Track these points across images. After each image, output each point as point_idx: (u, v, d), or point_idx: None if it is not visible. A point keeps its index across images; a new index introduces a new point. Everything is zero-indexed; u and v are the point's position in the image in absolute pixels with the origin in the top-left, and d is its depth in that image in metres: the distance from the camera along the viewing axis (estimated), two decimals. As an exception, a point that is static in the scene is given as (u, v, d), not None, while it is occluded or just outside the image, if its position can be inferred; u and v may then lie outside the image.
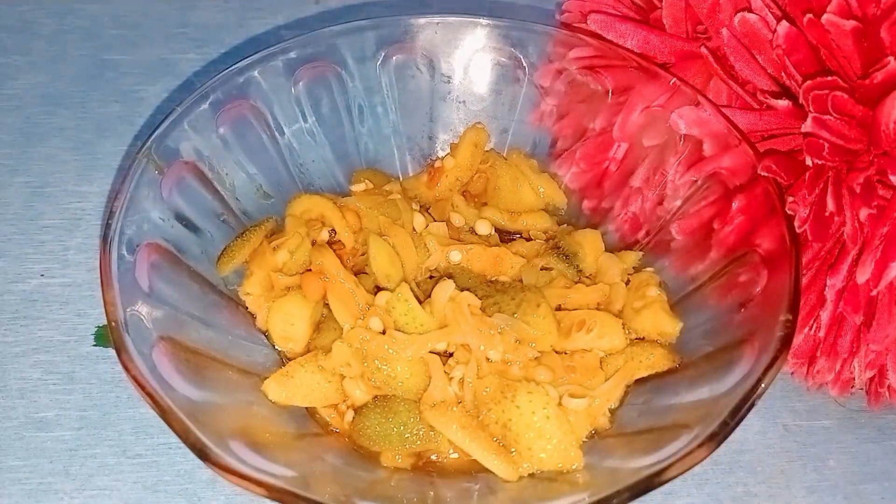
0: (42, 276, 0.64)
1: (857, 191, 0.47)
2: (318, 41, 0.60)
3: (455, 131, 0.65)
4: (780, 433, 0.58)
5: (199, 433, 0.39)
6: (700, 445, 0.39)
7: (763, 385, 0.42)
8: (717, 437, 0.40)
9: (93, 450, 0.55)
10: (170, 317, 0.47)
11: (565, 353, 0.51)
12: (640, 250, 0.59)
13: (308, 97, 0.61)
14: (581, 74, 0.62)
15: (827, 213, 0.48)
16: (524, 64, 0.63)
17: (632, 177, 0.61)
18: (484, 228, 0.59)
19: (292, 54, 0.59)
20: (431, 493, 0.44)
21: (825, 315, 0.51)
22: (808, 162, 0.49)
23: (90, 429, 0.56)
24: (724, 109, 0.56)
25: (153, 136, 0.52)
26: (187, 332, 0.48)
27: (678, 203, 0.58)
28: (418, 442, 0.48)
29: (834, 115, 0.48)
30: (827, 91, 0.48)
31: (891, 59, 0.46)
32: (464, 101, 0.65)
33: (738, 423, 0.41)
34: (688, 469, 0.39)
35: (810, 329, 0.53)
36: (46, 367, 0.59)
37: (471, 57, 0.63)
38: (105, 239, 0.46)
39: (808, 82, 0.49)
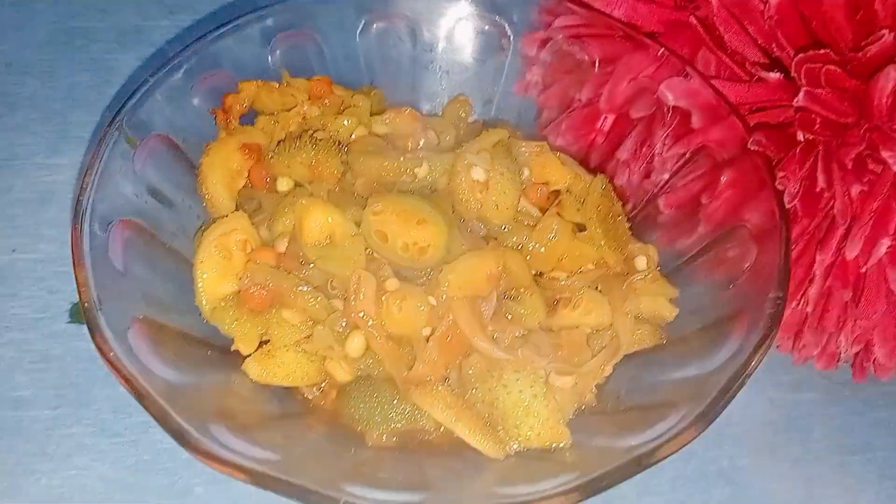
0: (14, 251, 0.62)
1: (849, 167, 0.46)
2: (296, 9, 0.57)
3: (438, 101, 0.64)
4: (765, 406, 0.58)
5: (178, 417, 0.38)
6: (690, 426, 0.39)
7: (753, 363, 0.41)
8: (707, 417, 0.39)
9: (70, 429, 0.54)
10: (145, 296, 0.46)
11: (552, 331, 0.50)
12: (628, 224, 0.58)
13: (284, 67, 0.58)
14: (567, 44, 0.60)
15: (817, 189, 0.47)
16: (508, 33, 0.61)
17: (618, 150, 0.60)
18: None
19: (269, 22, 0.57)
20: (418, 474, 0.43)
21: (813, 291, 0.50)
22: (800, 137, 0.48)
23: (67, 408, 0.55)
24: (713, 81, 0.55)
25: (125, 109, 0.50)
26: (164, 311, 0.46)
27: (665, 176, 0.57)
28: (403, 421, 0.47)
29: (826, 88, 0.47)
30: (820, 64, 0.47)
31: (885, 32, 0.45)
32: (447, 71, 0.63)
33: (728, 402, 0.40)
34: (678, 450, 0.38)
35: (797, 304, 0.52)
36: (20, 345, 0.57)
37: (454, 25, 0.61)
38: (76, 215, 0.45)
39: (801, 55, 0.48)
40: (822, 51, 0.48)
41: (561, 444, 0.44)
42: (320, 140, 0.52)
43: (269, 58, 0.58)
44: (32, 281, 0.61)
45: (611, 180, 0.57)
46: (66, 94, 0.72)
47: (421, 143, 0.56)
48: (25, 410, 0.54)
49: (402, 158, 0.51)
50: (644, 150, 0.59)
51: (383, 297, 0.46)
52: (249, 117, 0.56)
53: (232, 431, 0.40)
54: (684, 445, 0.39)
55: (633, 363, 0.50)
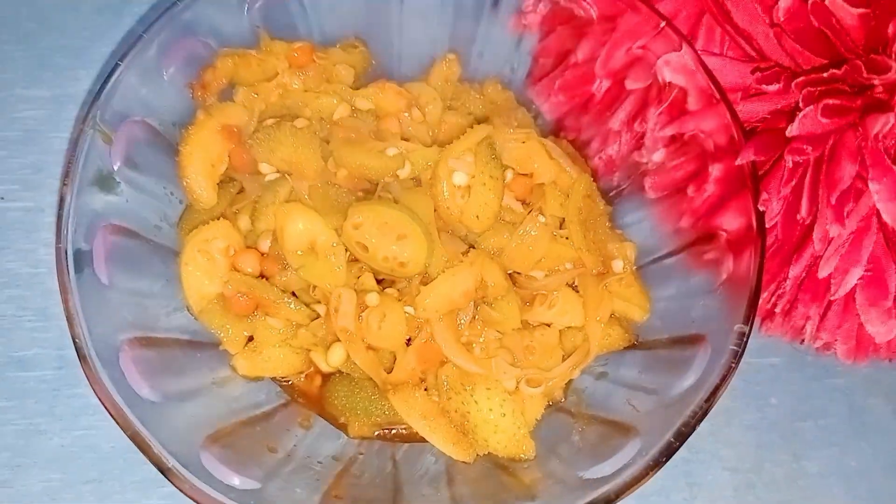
0: (2, 199, 0.62)
1: (833, 202, 0.45)
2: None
3: (427, 54, 0.60)
4: (728, 372, 0.61)
5: (170, 458, 0.41)
6: (645, 470, 0.42)
7: (713, 401, 0.44)
8: (662, 462, 0.42)
9: (75, 389, 0.57)
10: (133, 307, 0.47)
11: (528, 326, 0.52)
12: (614, 199, 0.58)
13: (263, 23, 0.55)
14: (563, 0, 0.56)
15: (798, 217, 0.47)
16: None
17: (612, 119, 0.58)
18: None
19: (242, -20, 0.53)
20: (392, 477, 0.47)
21: (783, 301, 0.51)
22: (789, 163, 0.46)
23: (70, 367, 0.58)
24: (714, 57, 0.53)
25: (97, 103, 0.48)
26: (153, 318, 0.48)
27: (655, 158, 0.56)
28: (383, 415, 0.50)
29: (822, 119, 0.45)
30: (820, 88, 0.45)
31: (893, 65, 0.43)
32: (436, 21, 0.59)
33: (684, 441, 0.43)
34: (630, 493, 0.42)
35: (768, 304, 0.54)
36: (19, 303, 0.59)
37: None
38: (59, 236, 0.45)
39: (801, 78, 0.45)
40: (826, 73, 0.45)
41: (525, 456, 0.48)
42: (300, 130, 0.51)
43: (247, 17, 0.54)
44: (24, 233, 0.61)
45: (597, 160, 0.57)
46: (39, 14, 0.68)
47: (406, 116, 0.54)
48: (30, 371, 0.58)
49: (383, 159, 0.50)
50: (637, 124, 0.57)
51: (363, 314, 0.48)
52: (228, 90, 0.54)
53: (220, 458, 0.43)
54: (637, 488, 0.42)
55: (600, 360, 0.52)
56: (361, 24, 0.58)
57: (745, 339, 0.45)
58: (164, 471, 0.42)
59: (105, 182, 0.48)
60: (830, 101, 0.43)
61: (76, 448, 0.56)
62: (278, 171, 0.52)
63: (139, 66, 0.50)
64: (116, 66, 0.49)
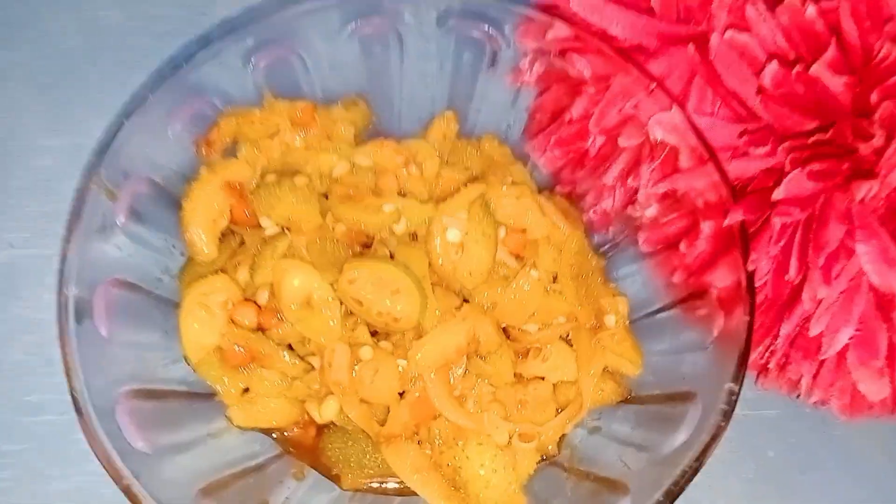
0: (12, 246, 0.64)
1: (821, 264, 0.46)
2: (276, 24, 0.55)
3: (427, 110, 0.62)
4: (726, 424, 0.62)
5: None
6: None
7: (702, 461, 0.44)
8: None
9: (81, 434, 0.59)
10: (132, 358, 0.49)
11: (521, 378, 0.52)
12: (609, 252, 0.59)
13: (267, 82, 0.57)
14: (559, 60, 0.58)
15: (786, 278, 0.47)
16: (500, 42, 0.58)
17: (606, 174, 0.59)
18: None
19: (248, 42, 0.55)
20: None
21: (775, 359, 0.52)
22: (776, 225, 0.47)
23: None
24: (705, 117, 0.53)
25: (102, 161, 0.50)
26: (150, 369, 0.50)
27: (648, 213, 0.56)
28: (376, 468, 0.51)
29: (809, 182, 0.45)
30: (806, 153, 0.45)
31: (877, 133, 0.43)
32: (435, 78, 0.61)
33: (673, 502, 0.44)
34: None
35: (762, 358, 0.54)
36: (30, 349, 0.61)
37: (442, 32, 0.58)
38: (60, 291, 0.46)
39: (787, 142, 0.46)
40: (812, 138, 0.46)
41: (517, 513, 0.48)
42: (299, 188, 0.52)
43: (251, 76, 0.56)
44: (35, 280, 0.63)
45: (592, 210, 0.58)
46: (57, 63, 0.70)
47: (404, 172, 0.56)
48: (39, 416, 0.59)
49: (380, 215, 0.51)
50: (630, 179, 0.58)
51: (357, 367, 0.48)
52: (232, 145, 0.56)
53: (214, 509, 0.44)
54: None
55: (594, 414, 0.53)
56: (363, 82, 0.60)
57: (734, 399, 0.45)
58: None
59: (107, 236, 0.50)
60: (816, 167, 0.44)
61: (82, 492, 0.57)
62: (278, 226, 0.53)
63: (144, 125, 0.52)
64: (121, 125, 0.51)
